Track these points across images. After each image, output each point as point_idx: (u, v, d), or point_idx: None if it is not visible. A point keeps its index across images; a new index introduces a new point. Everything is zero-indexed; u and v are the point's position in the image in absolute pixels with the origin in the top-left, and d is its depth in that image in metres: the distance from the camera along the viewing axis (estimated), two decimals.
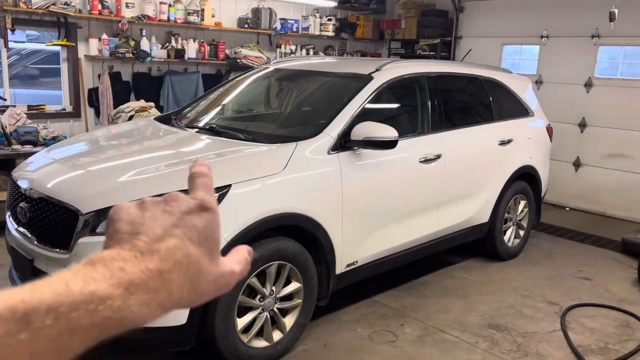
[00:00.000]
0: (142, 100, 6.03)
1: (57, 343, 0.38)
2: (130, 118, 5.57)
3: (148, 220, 0.46)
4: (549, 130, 5.20)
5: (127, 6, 6.01)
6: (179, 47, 6.46)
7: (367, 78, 3.74)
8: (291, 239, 3.05)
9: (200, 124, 3.87)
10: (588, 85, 6.50)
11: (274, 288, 3.04)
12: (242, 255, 0.52)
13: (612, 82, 6.33)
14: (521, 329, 3.63)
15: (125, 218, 0.47)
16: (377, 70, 3.84)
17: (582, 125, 6.60)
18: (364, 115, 3.49)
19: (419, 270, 4.42)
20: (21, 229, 2.96)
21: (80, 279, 0.40)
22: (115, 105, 6.04)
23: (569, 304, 4.00)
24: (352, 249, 3.40)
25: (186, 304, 0.46)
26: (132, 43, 6.07)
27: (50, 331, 0.37)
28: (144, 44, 6.15)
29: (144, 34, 6.19)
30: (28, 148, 4.95)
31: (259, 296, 3.00)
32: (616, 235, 5.49)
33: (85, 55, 5.99)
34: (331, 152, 3.27)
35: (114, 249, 0.45)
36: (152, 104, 5.99)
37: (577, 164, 6.71)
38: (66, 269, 0.41)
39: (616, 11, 4.54)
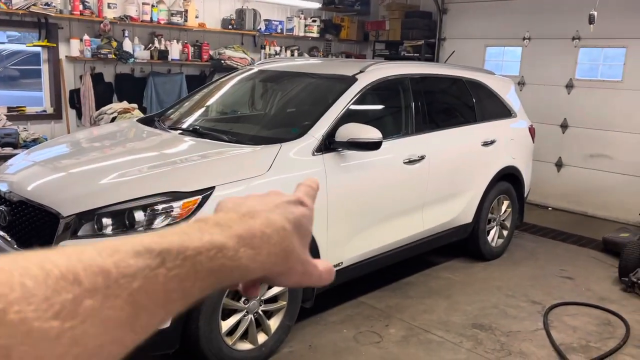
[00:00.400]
0: (125, 102, 5.98)
1: (183, 284, 0.41)
2: (113, 120, 5.51)
3: (251, 201, 0.52)
4: (532, 131, 5.25)
5: (109, 7, 5.95)
6: (163, 48, 6.42)
7: (351, 79, 3.75)
8: None
9: (184, 126, 3.84)
10: (569, 86, 6.58)
11: None
12: (329, 266, 0.56)
13: (592, 84, 6.42)
14: (505, 328, 3.66)
15: (231, 201, 0.52)
16: (361, 71, 3.85)
17: (564, 126, 6.68)
18: (349, 116, 3.50)
19: (404, 271, 4.44)
20: (0, 233, 2.92)
21: (197, 231, 0.44)
22: (98, 107, 5.98)
23: (552, 303, 4.04)
24: (337, 250, 3.40)
25: (277, 272, 0.49)
26: (115, 44, 6.01)
27: (180, 271, 0.40)
28: (127, 45, 6.09)
29: (126, 34, 6.13)
30: (8, 150, 4.88)
31: (243, 298, 2.99)
32: (597, 235, 5.57)
33: (66, 56, 5.91)
34: (316, 153, 3.27)
35: (220, 213, 0.49)
36: (135, 105, 5.94)
37: (559, 165, 6.80)
38: (175, 225, 0.45)
39: (595, 14, 4.60)
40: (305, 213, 0.53)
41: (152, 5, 6.25)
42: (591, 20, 4.58)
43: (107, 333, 0.36)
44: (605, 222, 6.20)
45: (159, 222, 2.67)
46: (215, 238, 0.43)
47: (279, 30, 7.54)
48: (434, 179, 4.06)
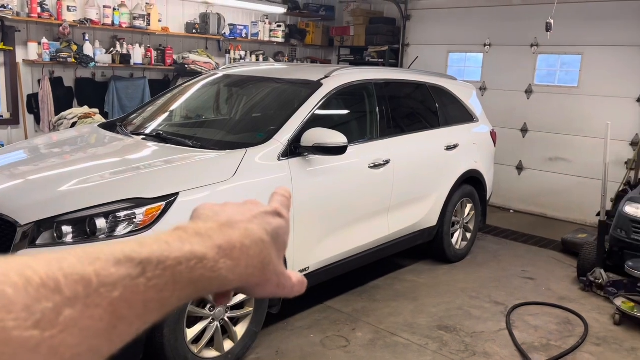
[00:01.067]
0: (86, 107, 5.84)
1: (162, 294, 0.40)
2: (73, 125, 5.37)
3: (229, 210, 0.52)
4: (493, 135, 5.37)
5: (68, 9, 5.81)
6: (125, 52, 6.30)
7: (317, 85, 3.76)
8: None
9: (147, 131, 3.78)
10: (528, 92, 6.77)
11: None
12: (302, 278, 0.57)
13: (550, 89, 6.62)
14: (469, 329, 3.72)
15: (208, 208, 0.52)
16: (326, 77, 3.86)
17: (524, 130, 6.87)
18: (314, 121, 3.51)
19: (370, 275, 4.47)
20: None
21: (177, 240, 0.43)
22: (57, 112, 5.82)
23: (514, 304, 4.14)
24: (303, 255, 3.40)
25: (253, 283, 0.49)
26: (75, 47, 5.87)
27: (160, 281, 0.40)
28: (87, 49, 5.96)
29: (86, 38, 6.00)
30: None
31: (209, 305, 2.95)
32: (557, 236, 5.73)
33: (24, 60, 5.74)
34: (281, 158, 3.26)
35: (199, 222, 0.49)
36: (97, 110, 5.81)
37: (519, 168, 6.97)
38: (154, 232, 0.44)
39: (552, 22, 4.76)
40: (282, 224, 0.53)
41: (114, 9, 6.14)
42: (548, 28, 4.73)
43: (85, 343, 0.35)
44: (564, 224, 6.39)
45: (121, 229, 2.62)
46: (196, 248, 0.43)
47: (243, 35, 7.51)
48: (398, 183, 4.10)
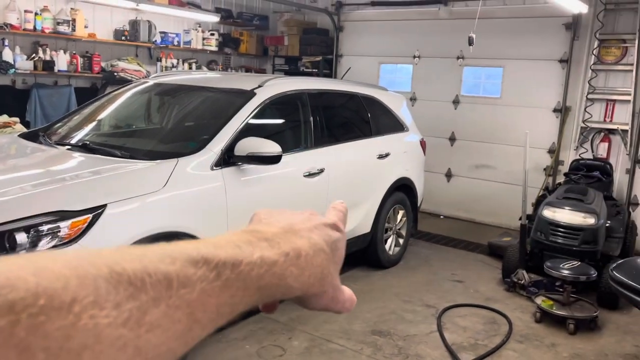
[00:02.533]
0: (5, 115, 5.52)
1: (233, 299, 0.40)
2: None
3: (289, 217, 0.51)
4: (423, 144, 5.57)
5: None
6: (48, 58, 6.03)
7: (250, 94, 3.77)
8: None
9: (73, 141, 3.64)
10: (456, 102, 7.07)
11: None
12: (353, 296, 0.56)
13: (475, 100, 6.95)
14: (402, 332, 3.82)
15: (267, 213, 0.52)
16: (259, 86, 3.87)
17: (452, 139, 7.15)
18: (248, 130, 3.51)
19: None
20: None
21: (248, 244, 0.43)
22: None
23: (444, 306, 4.29)
24: None
25: (312, 294, 0.49)
26: None
27: (232, 285, 0.40)
28: (7, 55, 5.65)
29: (6, 43, 5.70)
30: None
31: None
32: (484, 240, 6.00)
33: None
34: (214, 168, 3.23)
35: (261, 226, 0.48)
36: (17, 119, 5.51)
37: (448, 175, 7.25)
38: (224, 233, 0.44)
39: (474, 36, 5.00)
40: (341, 238, 0.53)
41: (36, 13, 5.87)
42: (470, 42, 4.97)
43: (166, 344, 0.35)
44: (490, 228, 6.69)
45: (44, 243, 2.50)
46: (266, 254, 0.43)
47: (175, 43, 7.38)
48: (333, 191, 4.16)
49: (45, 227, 2.51)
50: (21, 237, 2.46)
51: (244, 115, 3.56)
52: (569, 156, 6.38)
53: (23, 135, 3.84)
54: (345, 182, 4.36)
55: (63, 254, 0.34)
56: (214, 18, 7.57)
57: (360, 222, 4.60)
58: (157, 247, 0.38)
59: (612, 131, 6.13)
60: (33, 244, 2.48)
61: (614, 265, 3.29)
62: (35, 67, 5.92)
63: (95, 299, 0.31)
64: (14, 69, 5.70)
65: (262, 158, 3.31)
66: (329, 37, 8.16)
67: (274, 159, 3.35)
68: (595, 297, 4.33)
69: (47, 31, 5.94)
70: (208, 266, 0.38)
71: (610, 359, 3.66)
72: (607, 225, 4.76)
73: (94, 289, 0.32)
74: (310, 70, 8.07)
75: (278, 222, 0.49)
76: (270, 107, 3.92)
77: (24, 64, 5.81)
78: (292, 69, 8.35)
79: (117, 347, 0.32)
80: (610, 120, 6.13)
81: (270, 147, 3.34)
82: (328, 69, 8.03)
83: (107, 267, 0.33)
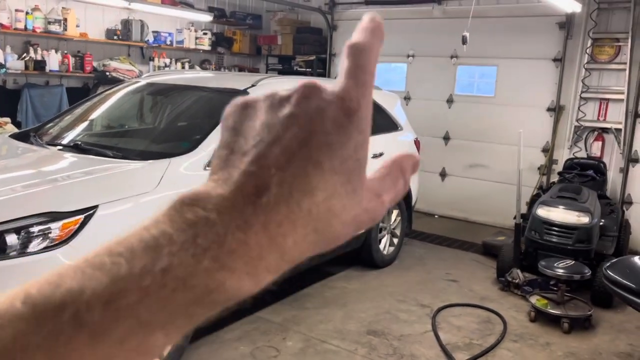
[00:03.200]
0: None
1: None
2: None
3: (259, 130, 0.32)
4: (417, 143, 5.56)
5: None
6: (39, 58, 5.97)
7: (243, 93, 3.74)
8: None
9: (65, 141, 3.60)
10: (450, 101, 7.07)
11: None
12: (396, 174, 0.36)
13: (469, 99, 6.95)
14: (397, 332, 3.81)
15: (233, 120, 0.34)
16: (253, 85, 3.85)
17: (446, 138, 7.15)
18: None
19: (301, 283, 4.47)
20: None
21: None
22: None
23: (439, 306, 4.28)
24: None
25: (308, 256, 0.34)
26: None
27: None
28: None
29: None
30: None
31: None
32: (478, 239, 6.00)
33: None
34: (207, 168, 3.21)
35: (213, 186, 0.31)
36: (8, 119, 5.47)
37: (443, 174, 7.25)
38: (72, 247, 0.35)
39: (467, 35, 5.00)
40: (351, 132, 0.33)
41: (27, 12, 5.81)
42: (464, 41, 4.97)
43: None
44: (485, 227, 6.69)
45: (34, 245, 2.47)
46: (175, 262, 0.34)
47: (168, 42, 7.34)
48: None
49: (36, 229, 2.48)
50: (11, 239, 2.43)
51: None
52: (562, 155, 6.40)
53: (14, 136, 3.80)
54: None
55: None
56: (207, 17, 7.54)
57: None
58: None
59: (605, 130, 6.15)
60: (24, 246, 2.45)
61: (608, 264, 3.30)
62: (26, 67, 5.86)
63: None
64: (4, 69, 5.65)
65: None
66: (323, 36, 8.14)
67: None
68: (590, 296, 4.33)
69: (38, 30, 5.89)
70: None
71: (604, 358, 3.66)
72: (601, 224, 4.77)
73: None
74: (303, 69, 8.05)
75: (244, 157, 0.31)
76: None
77: (15, 64, 5.76)
78: (286, 68, 8.32)
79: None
80: (604, 119, 6.15)
81: None
82: (322, 68, 8.01)
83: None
